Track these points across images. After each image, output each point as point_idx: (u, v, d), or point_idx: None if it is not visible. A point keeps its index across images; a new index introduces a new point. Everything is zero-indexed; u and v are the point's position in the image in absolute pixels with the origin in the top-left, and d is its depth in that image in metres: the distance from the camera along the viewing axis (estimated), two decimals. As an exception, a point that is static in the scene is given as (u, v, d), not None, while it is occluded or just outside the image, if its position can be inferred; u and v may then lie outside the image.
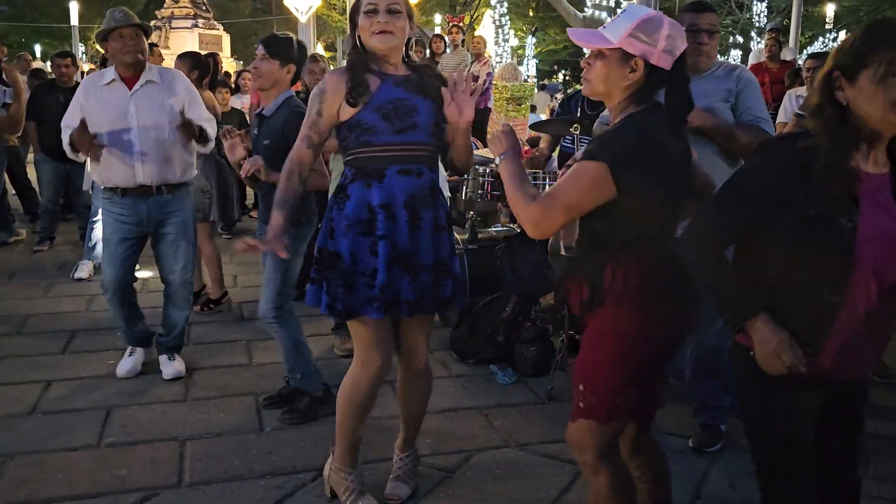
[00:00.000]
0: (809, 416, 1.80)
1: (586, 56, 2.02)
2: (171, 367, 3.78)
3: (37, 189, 7.82)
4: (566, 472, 2.89)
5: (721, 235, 1.79)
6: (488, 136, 2.15)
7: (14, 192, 7.55)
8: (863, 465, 1.92)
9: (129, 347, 3.86)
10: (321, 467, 2.89)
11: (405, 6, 2.41)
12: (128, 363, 3.80)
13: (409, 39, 2.46)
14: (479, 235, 4.67)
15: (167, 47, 17.09)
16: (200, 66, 4.88)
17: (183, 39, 19.00)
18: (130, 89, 3.54)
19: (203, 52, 6.11)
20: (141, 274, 5.51)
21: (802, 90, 5.52)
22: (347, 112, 2.38)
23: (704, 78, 2.94)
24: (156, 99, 3.55)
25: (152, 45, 9.07)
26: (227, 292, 5.00)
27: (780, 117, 5.57)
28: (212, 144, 3.75)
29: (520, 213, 1.96)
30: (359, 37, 2.45)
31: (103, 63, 5.07)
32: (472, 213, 4.75)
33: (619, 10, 6.42)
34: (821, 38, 25.32)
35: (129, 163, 3.53)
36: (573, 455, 2.19)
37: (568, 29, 2.13)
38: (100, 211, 5.01)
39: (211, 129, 3.69)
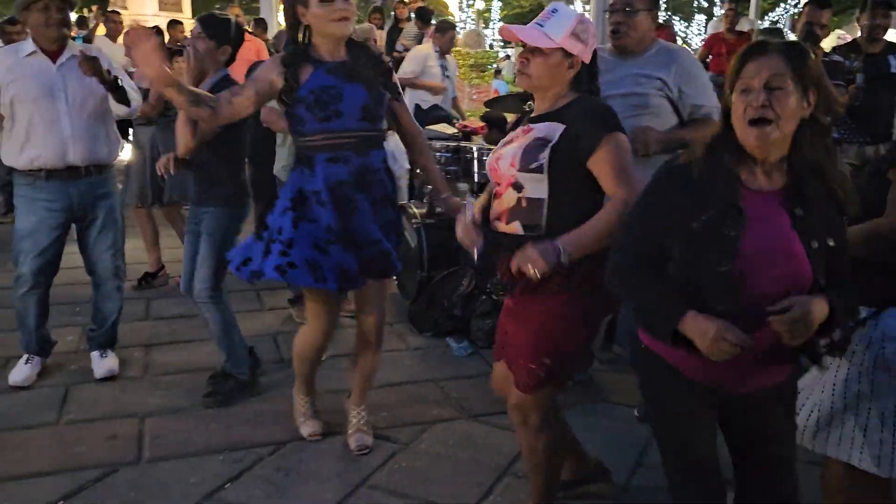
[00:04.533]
0: (706, 421, 1.83)
1: (521, 52, 2.13)
2: (102, 364, 3.55)
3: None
4: (517, 442, 2.99)
5: (635, 254, 1.78)
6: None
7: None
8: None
9: (27, 355, 3.54)
10: (280, 441, 2.98)
11: None
12: (25, 370, 3.48)
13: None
14: (437, 210, 4.72)
15: (125, 7, 16.63)
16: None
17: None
18: (55, 63, 3.30)
19: (162, 15, 5.96)
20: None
21: None
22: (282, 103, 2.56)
23: (636, 60, 2.93)
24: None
25: (112, 12, 8.80)
26: (163, 266, 5.00)
27: None
28: (127, 109, 3.46)
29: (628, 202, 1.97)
30: (304, 26, 2.51)
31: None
32: (429, 186, 4.79)
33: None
34: (782, 5, 25.45)
35: (59, 141, 3.28)
36: (517, 420, 2.31)
37: (505, 25, 2.18)
38: None
39: (134, 97, 3.48)
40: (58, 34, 3.28)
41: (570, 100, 2.14)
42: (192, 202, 3.34)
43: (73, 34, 3.43)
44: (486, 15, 28.43)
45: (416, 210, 4.57)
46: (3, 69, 3.28)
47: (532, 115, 2.22)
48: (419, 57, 6.71)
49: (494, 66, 12.76)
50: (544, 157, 2.05)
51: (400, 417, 3.20)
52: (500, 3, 28.68)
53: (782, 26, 18.63)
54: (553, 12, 2.10)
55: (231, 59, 3.27)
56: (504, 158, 2.16)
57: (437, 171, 2.94)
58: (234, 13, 6.83)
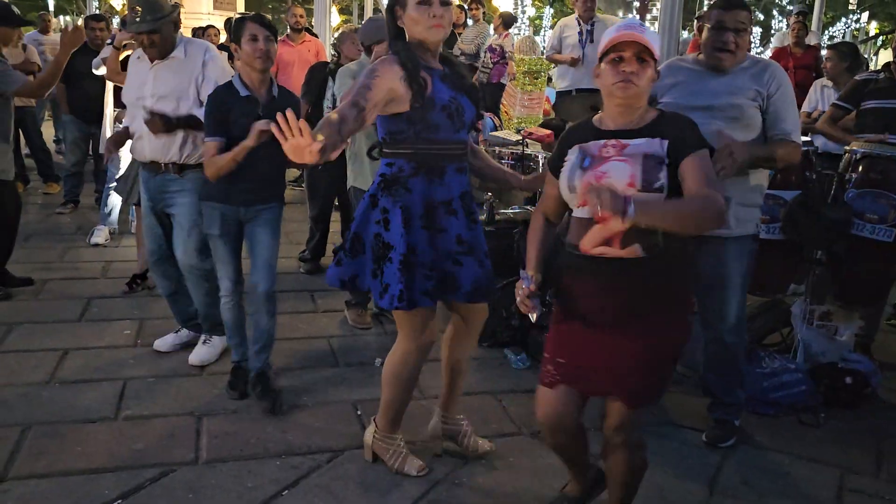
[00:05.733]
0: None
1: (626, 59, 2.06)
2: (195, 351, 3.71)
3: (51, 150, 7.86)
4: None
5: None
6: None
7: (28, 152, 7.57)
8: None
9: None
10: (337, 449, 2.92)
11: None
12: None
13: None
14: (497, 217, 4.64)
15: (182, 5, 16.85)
16: None
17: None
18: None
19: (216, 14, 5.97)
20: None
21: (828, 81, 5.45)
22: (402, 105, 2.38)
23: (736, 72, 2.87)
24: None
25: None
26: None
27: (805, 107, 5.50)
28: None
29: (714, 217, 1.97)
30: (400, 27, 2.44)
31: (123, 23, 5.01)
32: (489, 194, 4.71)
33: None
34: (843, 19, 24.87)
35: None
36: (617, 442, 2.25)
37: (631, 32, 2.05)
38: (116, 177, 5.01)
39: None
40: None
41: (656, 114, 2.16)
42: (238, 204, 3.19)
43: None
44: (536, 22, 28.35)
45: (475, 217, 4.49)
46: None
47: (606, 129, 2.15)
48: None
49: (546, 73, 12.62)
50: (664, 175, 2.03)
51: (458, 430, 3.12)
52: (551, 10, 28.57)
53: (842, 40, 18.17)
54: (642, 25, 2.15)
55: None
56: (613, 177, 2.04)
57: (499, 165, 2.97)
58: (297, 13, 6.84)
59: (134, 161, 4.68)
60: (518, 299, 2.20)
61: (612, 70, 2.07)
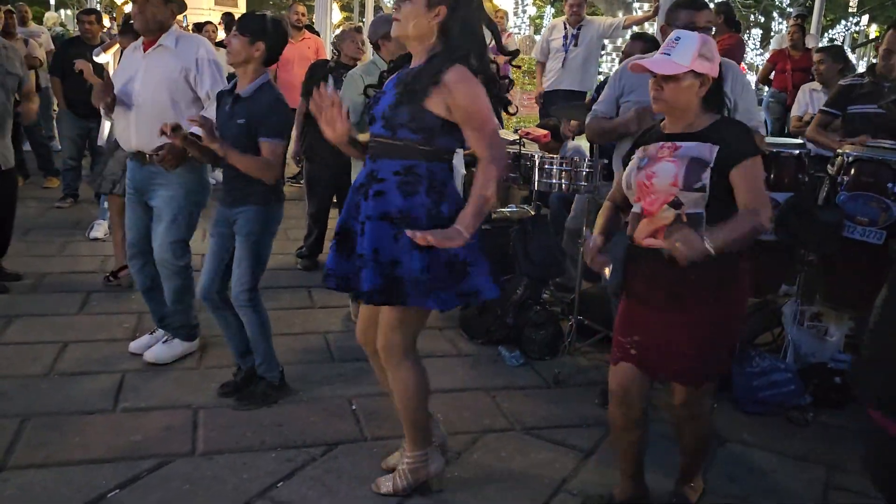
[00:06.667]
0: None
1: (653, 80, 2.28)
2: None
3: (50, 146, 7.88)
4: (571, 459, 2.95)
5: None
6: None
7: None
8: None
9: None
10: (331, 442, 2.97)
11: None
12: None
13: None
14: (493, 216, 4.69)
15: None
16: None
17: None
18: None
19: (217, 9, 5.97)
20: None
21: (816, 85, 5.48)
22: None
23: None
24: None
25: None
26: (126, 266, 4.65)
27: (795, 111, 5.53)
28: None
29: (759, 230, 2.18)
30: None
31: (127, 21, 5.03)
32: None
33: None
34: (843, 22, 24.90)
35: None
36: (684, 415, 2.50)
37: (637, 61, 2.32)
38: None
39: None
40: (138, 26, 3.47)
41: (712, 120, 2.32)
42: (224, 204, 3.19)
43: None
44: (537, 21, 28.35)
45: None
46: None
47: (666, 131, 2.36)
48: None
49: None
50: (706, 177, 2.21)
51: (451, 426, 3.16)
52: (552, 10, 28.59)
53: (840, 43, 18.19)
54: (677, 40, 2.27)
55: (271, 59, 3.15)
56: (660, 176, 2.27)
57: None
58: (299, 11, 6.87)
59: (107, 151, 4.65)
60: (588, 260, 2.43)
61: (650, 86, 2.32)
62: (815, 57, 5.49)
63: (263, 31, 3.06)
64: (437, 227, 2.30)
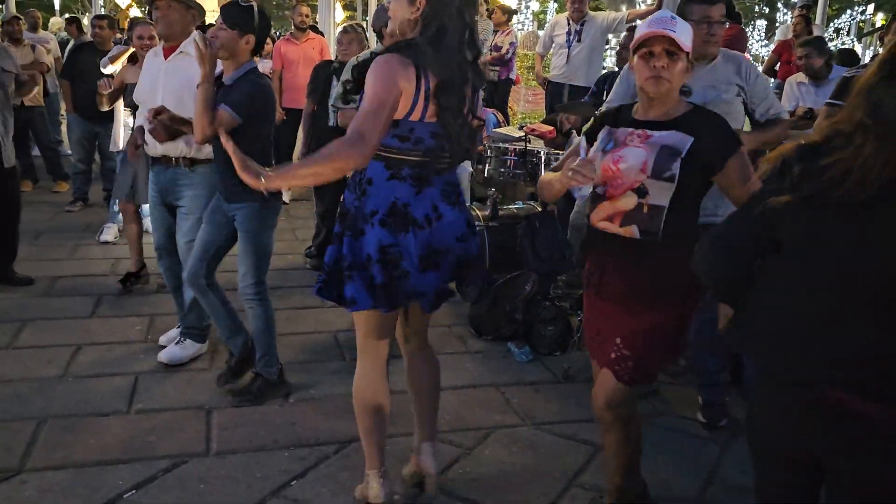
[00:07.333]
0: None
1: (656, 54, 2.13)
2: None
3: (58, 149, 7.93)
4: (582, 453, 2.96)
5: None
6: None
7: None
8: None
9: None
10: (343, 440, 2.99)
11: None
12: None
13: None
14: (500, 212, 4.71)
15: None
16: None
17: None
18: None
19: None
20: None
21: (802, 77, 5.42)
22: None
23: (713, 67, 3.00)
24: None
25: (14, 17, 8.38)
26: (144, 265, 4.76)
27: (785, 105, 5.48)
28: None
29: None
30: None
31: (132, 26, 5.07)
32: (493, 189, 4.77)
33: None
34: (849, 11, 24.78)
35: None
36: (608, 419, 2.33)
37: (658, 29, 2.12)
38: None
39: None
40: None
41: (685, 109, 2.22)
42: (223, 198, 3.25)
43: None
44: (540, 17, 28.29)
45: (478, 212, 4.55)
46: None
47: (638, 118, 2.25)
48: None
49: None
50: (676, 167, 2.11)
51: (463, 421, 3.19)
52: (556, 5, 28.51)
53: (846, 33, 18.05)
54: (673, 18, 2.18)
55: (258, 49, 3.17)
56: (628, 161, 2.17)
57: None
58: (303, 12, 6.88)
59: (130, 163, 4.59)
60: (574, 165, 2.14)
61: (643, 65, 2.16)
62: (802, 51, 5.42)
63: (252, 24, 3.08)
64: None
